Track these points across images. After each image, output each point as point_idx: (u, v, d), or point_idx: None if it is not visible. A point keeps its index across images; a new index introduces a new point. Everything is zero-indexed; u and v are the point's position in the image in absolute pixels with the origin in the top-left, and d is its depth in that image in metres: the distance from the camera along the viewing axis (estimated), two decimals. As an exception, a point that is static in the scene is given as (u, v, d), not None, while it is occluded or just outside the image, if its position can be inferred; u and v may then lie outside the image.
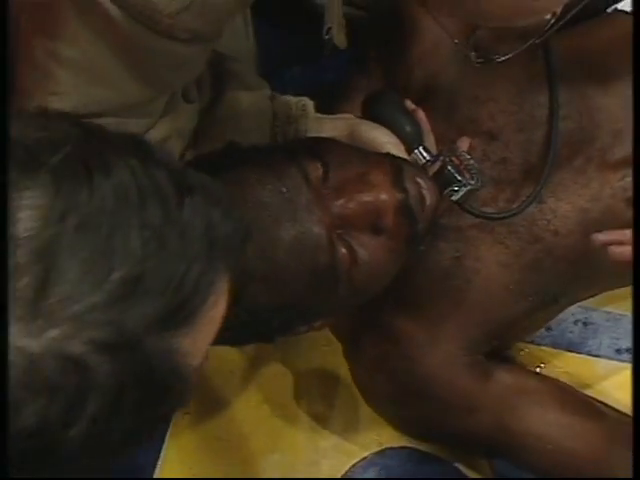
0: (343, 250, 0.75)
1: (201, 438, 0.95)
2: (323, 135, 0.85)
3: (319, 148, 0.78)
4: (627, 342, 0.96)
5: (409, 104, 0.88)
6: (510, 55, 0.72)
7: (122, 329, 0.43)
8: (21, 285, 0.41)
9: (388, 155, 0.80)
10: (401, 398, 0.95)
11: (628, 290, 0.93)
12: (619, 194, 0.87)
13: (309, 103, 0.90)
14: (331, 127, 0.87)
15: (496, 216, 0.86)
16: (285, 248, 0.72)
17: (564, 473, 0.90)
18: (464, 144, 0.86)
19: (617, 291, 0.96)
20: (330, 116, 0.90)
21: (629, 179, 0.86)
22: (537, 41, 0.69)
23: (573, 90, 0.88)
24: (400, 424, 0.98)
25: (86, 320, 0.42)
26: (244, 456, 0.94)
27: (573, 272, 0.89)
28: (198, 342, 0.48)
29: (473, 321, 0.91)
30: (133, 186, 0.45)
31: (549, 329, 0.97)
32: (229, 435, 0.95)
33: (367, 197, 0.75)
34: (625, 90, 0.85)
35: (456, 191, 0.83)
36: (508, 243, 0.89)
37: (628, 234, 0.75)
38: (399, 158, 0.80)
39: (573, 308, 0.96)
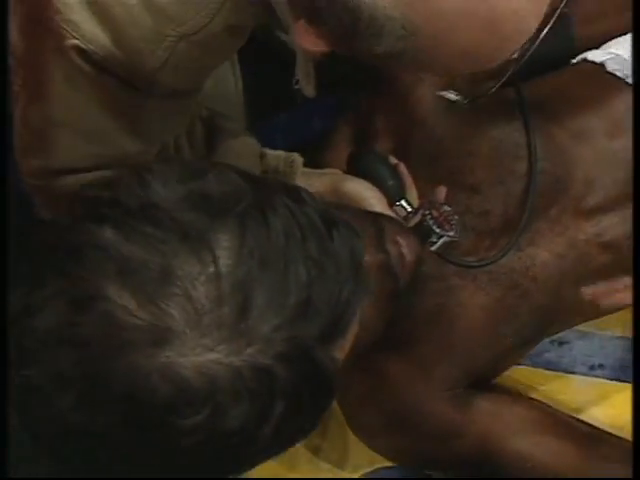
0: None
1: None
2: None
3: None
4: (599, 359, 1.03)
5: (391, 159, 0.92)
6: (493, 90, 0.80)
7: (299, 343, 0.53)
8: (224, 312, 0.51)
9: (370, 215, 0.84)
10: (388, 430, 1.00)
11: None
12: (593, 240, 0.92)
13: (298, 160, 0.94)
14: (317, 183, 0.91)
15: (475, 264, 0.91)
16: None
17: None
18: (441, 194, 0.90)
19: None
20: (317, 171, 0.94)
21: (603, 224, 0.92)
22: (503, 79, 0.77)
23: (549, 142, 0.93)
24: (389, 455, 1.03)
25: (273, 338, 0.52)
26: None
27: (550, 314, 0.95)
28: (345, 349, 0.60)
29: (456, 362, 0.96)
30: (294, 224, 0.55)
31: None
32: None
33: None
34: (598, 139, 0.91)
35: (435, 242, 0.88)
36: (489, 290, 0.94)
37: (623, 282, 0.81)
38: (380, 217, 0.84)
39: None
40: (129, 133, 0.84)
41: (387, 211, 0.88)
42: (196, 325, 0.50)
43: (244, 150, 0.94)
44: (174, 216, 0.53)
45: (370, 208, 0.87)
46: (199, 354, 0.50)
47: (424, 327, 0.96)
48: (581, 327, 1.03)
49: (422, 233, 0.87)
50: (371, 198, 0.89)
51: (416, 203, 0.89)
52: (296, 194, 0.59)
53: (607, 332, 1.03)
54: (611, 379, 1.03)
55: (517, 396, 1.01)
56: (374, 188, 0.89)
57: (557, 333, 1.01)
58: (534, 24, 0.66)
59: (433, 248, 0.88)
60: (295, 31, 0.73)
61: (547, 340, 1.03)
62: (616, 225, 0.93)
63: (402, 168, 0.92)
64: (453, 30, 0.65)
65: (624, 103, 0.93)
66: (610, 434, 0.96)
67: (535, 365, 1.03)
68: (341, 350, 0.59)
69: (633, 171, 0.88)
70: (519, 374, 1.02)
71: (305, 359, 0.55)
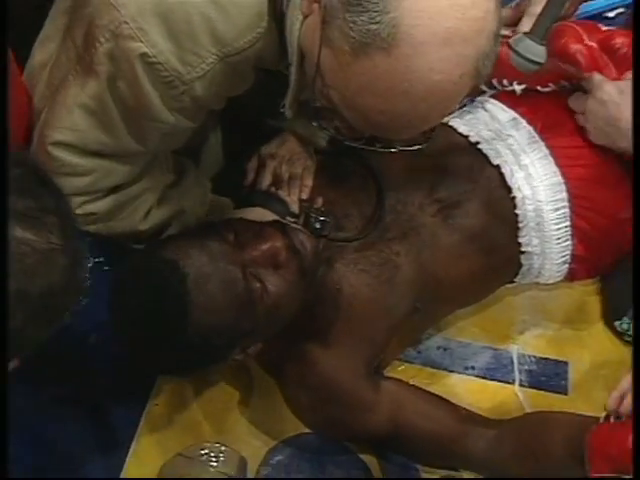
0: (257, 284, 1.05)
1: (168, 422, 1.24)
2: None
3: (231, 222, 1.10)
4: (472, 362, 1.32)
5: (272, 189, 1.24)
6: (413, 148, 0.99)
7: None
8: None
9: (275, 220, 1.13)
10: (314, 408, 1.21)
11: (474, 325, 1.35)
12: (438, 222, 1.24)
13: (230, 205, 1.23)
14: (240, 213, 1.17)
15: (352, 238, 1.21)
16: (217, 280, 1.02)
17: (431, 451, 1.21)
18: (318, 200, 1.23)
19: (466, 326, 1.34)
20: (237, 210, 1.21)
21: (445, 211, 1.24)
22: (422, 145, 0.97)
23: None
24: (316, 429, 1.23)
25: None
26: (196, 436, 1.22)
27: (418, 283, 1.21)
28: None
29: (362, 336, 1.19)
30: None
31: (419, 352, 1.33)
32: (189, 421, 1.24)
33: (265, 245, 1.07)
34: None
35: (320, 228, 1.19)
36: (368, 269, 1.20)
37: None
38: (281, 221, 1.13)
39: (436, 338, 1.33)
40: (136, 137, 0.99)
41: None
42: None
43: (198, 198, 1.20)
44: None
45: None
46: None
47: (331, 311, 1.19)
48: (460, 338, 1.34)
49: (311, 225, 1.19)
50: (265, 216, 1.16)
51: (297, 211, 1.22)
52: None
53: (478, 342, 1.35)
54: (479, 377, 1.32)
55: (410, 384, 1.27)
56: (266, 212, 1.17)
57: (439, 317, 1.31)
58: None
59: (324, 232, 1.19)
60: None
61: (434, 346, 1.34)
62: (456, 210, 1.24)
63: (280, 193, 1.23)
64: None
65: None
66: (484, 417, 1.22)
67: (424, 364, 1.32)
68: None
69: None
70: (411, 370, 1.31)
71: None
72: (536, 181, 1.25)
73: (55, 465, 1.19)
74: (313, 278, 1.14)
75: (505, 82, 1.32)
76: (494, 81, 1.33)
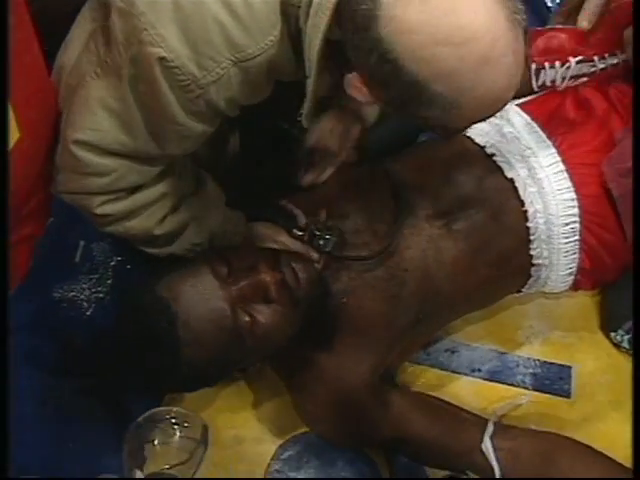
0: (246, 318, 1.08)
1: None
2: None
3: (225, 254, 1.12)
4: (479, 364, 1.36)
5: (283, 202, 1.25)
6: None
7: None
8: None
9: (271, 250, 1.15)
10: (319, 415, 1.23)
11: (482, 329, 1.38)
12: (445, 233, 1.23)
13: (243, 217, 1.24)
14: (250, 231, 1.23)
15: (361, 258, 1.20)
16: (205, 319, 1.07)
17: (437, 459, 1.22)
18: (323, 214, 1.23)
19: (474, 330, 1.38)
20: (249, 224, 1.25)
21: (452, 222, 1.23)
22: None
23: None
24: (322, 435, 1.25)
25: None
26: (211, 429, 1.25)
27: (423, 296, 1.21)
28: None
29: (368, 346, 1.19)
30: None
31: (428, 354, 1.36)
32: (204, 416, 1.26)
33: (255, 280, 1.09)
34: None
35: (325, 245, 1.19)
36: (374, 283, 1.20)
37: None
38: (278, 251, 1.15)
39: (445, 341, 1.37)
40: (156, 139, 1.02)
41: (286, 239, 1.20)
42: None
43: (214, 208, 1.22)
44: None
45: (275, 238, 1.21)
46: None
47: (336, 322, 1.19)
48: (467, 341, 1.38)
49: (315, 242, 1.20)
50: (274, 234, 1.21)
51: (304, 225, 1.22)
52: None
53: (485, 346, 1.38)
54: (485, 379, 1.36)
55: (415, 392, 1.30)
56: (274, 226, 1.22)
57: (442, 324, 1.33)
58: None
59: (327, 249, 1.20)
60: (347, 82, 0.92)
61: (442, 349, 1.37)
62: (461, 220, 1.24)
63: (289, 207, 1.24)
64: (479, 104, 0.89)
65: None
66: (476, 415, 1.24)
67: (432, 366, 1.36)
68: None
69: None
70: (420, 372, 1.35)
71: None
72: (549, 196, 1.25)
73: (73, 455, 1.23)
74: (312, 302, 1.15)
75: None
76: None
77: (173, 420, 1.12)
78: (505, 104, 0.92)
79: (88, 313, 1.33)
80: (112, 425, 1.26)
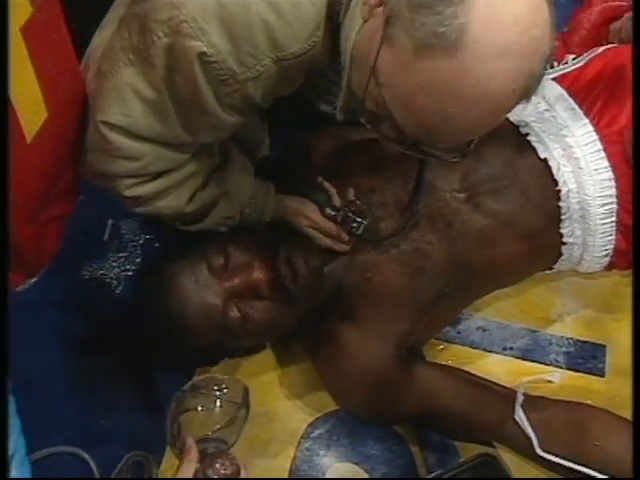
0: (238, 313, 1.12)
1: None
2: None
3: (227, 244, 1.15)
4: (511, 343, 1.35)
5: (320, 179, 1.23)
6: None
7: None
8: None
9: (270, 246, 1.14)
10: (345, 390, 1.24)
11: (514, 306, 1.37)
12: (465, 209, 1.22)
13: (272, 187, 1.23)
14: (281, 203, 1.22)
15: (387, 236, 1.20)
16: (195, 313, 1.11)
17: (467, 432, 1.23)
18: (351, 193, 1.21)
19: (505, 307, 1.36)
20: (280, 196, 1.23)
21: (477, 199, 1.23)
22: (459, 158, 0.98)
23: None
24: (350, 411, 1.26)
25: None
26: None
27: (449, 269, 1.21)
28: None
29: (392, 319, 1.20)
30: None
31: (459, 332, 1.35)
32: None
33: (248, 277, 1.12)
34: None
35: (357, 228, 1.19)
36: (399, 257, 1.20)
37: None
38: (277, 247, 1.14)
39: (476, 319, 1.36)
40: (188, 128, 1.02)
41: (318, 217, 1.20)
42: None
43: (242, 181, 1.21)
44: None
45: (306, 214, 1.20)
46: None
47: (361, 296, 1.20)
48: (499, 319, 1.37)
49: (348, 224, 1.19)
50: (307, 210, 1.20)
51: (338, 204, 1.21)
52: None
53: (517, 324, 1.37)
54: (517, 357, 1.35)
55: (443, 365, 1.30)
56: (309, 202, 1.21)
57: (469, 300, 1.32)
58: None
59: (358, 232, 1.19)
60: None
61: (474, 327, 1.36)
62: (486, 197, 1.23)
63: (325, 185, 1.22)
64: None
65: None
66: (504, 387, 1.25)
67: (463, 344, 1.35)
68: None
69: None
70: (451, 350, 1.34)
71: None
72: (585, 175, 1.22)
73: (108, 429, 1.25)
74: (314, 295, 1.17)
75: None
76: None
77: (214, 387, 1.13)
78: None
79: (117, 291, 1.35)
80: (143, 400, 1.28)
